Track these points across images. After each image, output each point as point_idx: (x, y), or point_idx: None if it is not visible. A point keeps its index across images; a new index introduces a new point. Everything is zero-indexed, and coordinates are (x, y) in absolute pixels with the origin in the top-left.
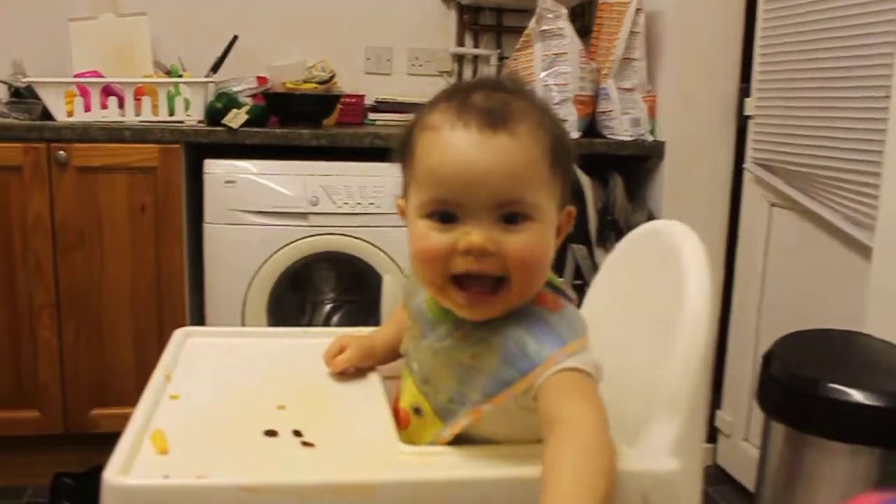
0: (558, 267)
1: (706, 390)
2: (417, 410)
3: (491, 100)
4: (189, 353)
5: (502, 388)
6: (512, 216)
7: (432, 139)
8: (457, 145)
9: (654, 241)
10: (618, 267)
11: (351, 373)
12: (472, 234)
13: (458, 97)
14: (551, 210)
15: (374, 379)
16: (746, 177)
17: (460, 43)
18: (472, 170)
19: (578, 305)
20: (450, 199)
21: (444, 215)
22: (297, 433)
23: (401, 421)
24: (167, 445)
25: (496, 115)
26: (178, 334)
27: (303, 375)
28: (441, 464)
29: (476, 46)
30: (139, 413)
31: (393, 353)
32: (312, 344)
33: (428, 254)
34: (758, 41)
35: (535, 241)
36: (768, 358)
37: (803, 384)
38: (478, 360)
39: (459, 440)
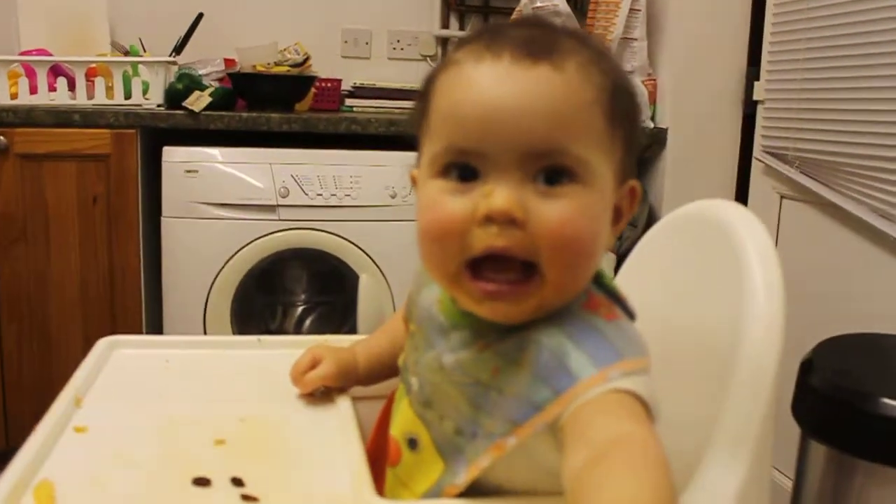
0: None
1: (775, 425)
2: (413, 442)
3: (534, 29)
4: (112, 368)
5: (531, 415)
6: (552, 173)
7: (453, 76)
8: (481, 79)
9: (701, 228)
10: (650, 261)
11: (317, 395)
12: (495, 195)
13: (493, 29)
14: (606, 175)
15: (343, 404)
16: (755, 166)
17: (445, 25)
18: (499, 107)
19: None
20: (469, 146)
21: (463, 170)
22: (237, 481)
23: (390, 455)
24: None
25: (537, 44)
26: (101, 345)
27: (252, 399)
28: None
29: (462, 29)
30: (25, 454)
31: (380, 372)
32: (268, 357)
33: (436, 225)
34: (769, 19)
35: (581, 211)
36: (807, 367)
37: (851, 398)
38: (502, 378)
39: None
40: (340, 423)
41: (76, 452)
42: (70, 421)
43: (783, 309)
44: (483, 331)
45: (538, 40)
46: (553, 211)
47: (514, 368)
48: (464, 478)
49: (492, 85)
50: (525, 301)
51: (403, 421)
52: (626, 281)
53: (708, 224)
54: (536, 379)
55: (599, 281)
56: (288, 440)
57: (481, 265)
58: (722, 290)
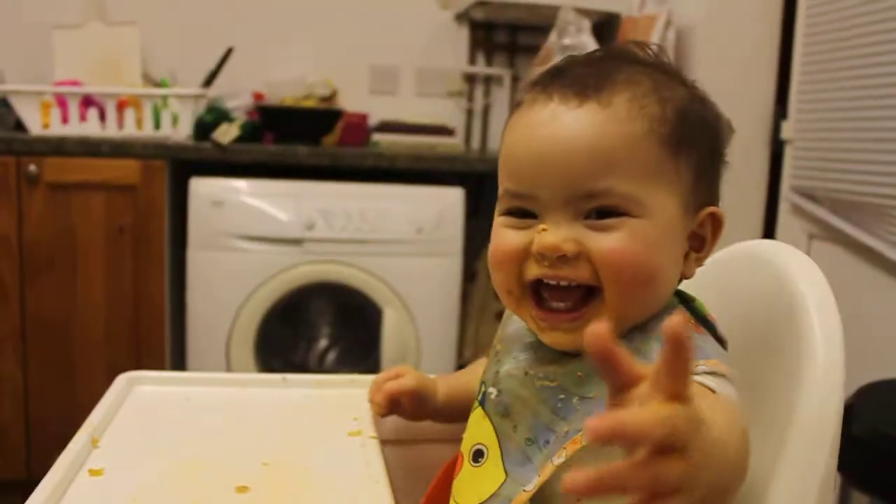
0: None
1: (833, 485)
2: (479, 454)
3: (591, 66)
4: (131, 406)
5: (587, 406)
6: (601, 211)
7: (513, 119)
8: (531, 122)
9: (752, 271)
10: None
11: (342, 441)
12: (546, 233)
13: (557, 68)
14: (667, 205)
15: (371, 449)
16: (783, 206)
17: (472, 62)
18: (542, 152)
19: None
20: (522, 190)
21: (522, 211)
22: None
23: (455, 471)
24: None
25: (587, 83)
26: (121, 381)
27: (275, 441)
28: None
29: (489, 65)
30: (37, 498)
31: (458, 408)
32: (292, 396)
33: (497, 256)
34: (797, 58)
35: (634, 239)
36: (847, 413)
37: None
38: (586, 385)
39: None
40: (368, 470)
41: (90, 498)
42: (85, 463)
43: (842, 363)
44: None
45: (590, 77)
46: (606, 241)
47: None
48: (535, 482)
49: (538, 129)
50: (583, 328)
51: (473, 433)
52: None
53: (759, 266)
54: None
55: (691, 307)
56: (313, 487)
57: (543, 292)
58: (776, 339)
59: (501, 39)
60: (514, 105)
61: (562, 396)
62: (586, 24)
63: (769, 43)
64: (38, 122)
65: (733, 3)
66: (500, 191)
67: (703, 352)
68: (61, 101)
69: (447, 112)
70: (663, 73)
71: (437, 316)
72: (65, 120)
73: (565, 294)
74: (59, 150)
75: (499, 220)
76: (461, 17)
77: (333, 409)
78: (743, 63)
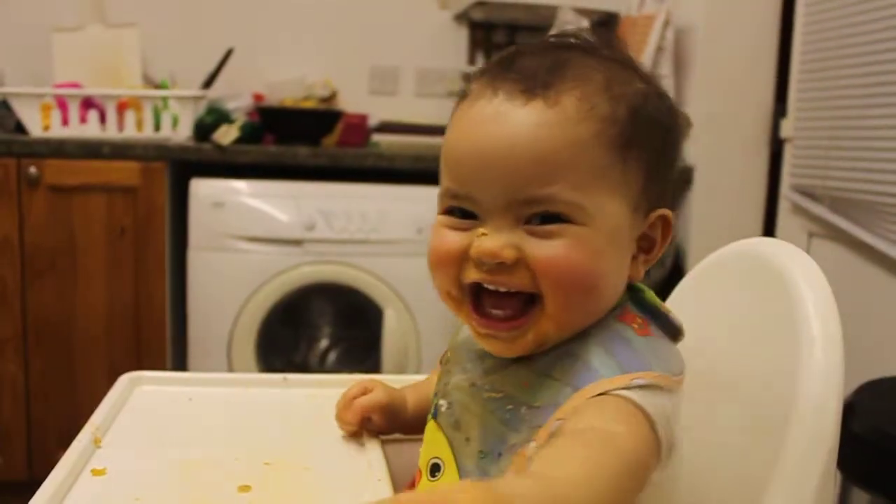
0: None
1: (833, 486)
2: (436, 468)
3: (541, 57)
4: (133, 406)
5: (550, 415)
6: (544, 217)
7: (458, 112)
8: (473, 119)
9: (751, 269)
10: (694, 301)
11: (344, 441)
12: (485, 238)
13: (506, 58)
14: (613, 210)
15: (372, 448)
16: (782, 205)
17: (471, 62)
18: (484, 153)
19: None
20: (462, 191)
21: (463, 211)
22: None
23: (413, 486)
24: None
25: (535, 78)
26: (123, 381)
27: (277, 441)
28: None
29: None
30: (40, 497)
31: (426, 421)
32: (294, 396)
33: (435, 257)
34: (796, 57)
35: (578, 249)
36: (847, 411)
37: None
38: (532, 392)
39: None
40: (370, 469)
41: (93, 497)
42: (88, 463)
43: (842, 363)
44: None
45: (539, 70)
46: (547, 249)
47: (546, 381)
48: None
49: (481, 127)
50: (522, 337)
51: (429, 447)
52: None
53: (758, 265)
54: (565, 385)
55: (639, 298)
56: (316, 487)
57: (483, 297)
58: (775, 338)
59: (500, 39)
60: (461, 95)
61: (509, 407)
62: (585, 23)
63: (768, 41)
64: (38, 124)
65: (732, 2)
66: (441, 188)
67: (643, 363)
68: (61, 103)
69: (447, 112)
70: (619, 65)
71: (438, 316)
72: (65, 122)
73: (505, 301)
74: (59, 152)
75: (439, 219)
76: (460, 17)
77: (334, 409)
78: (742, 62)
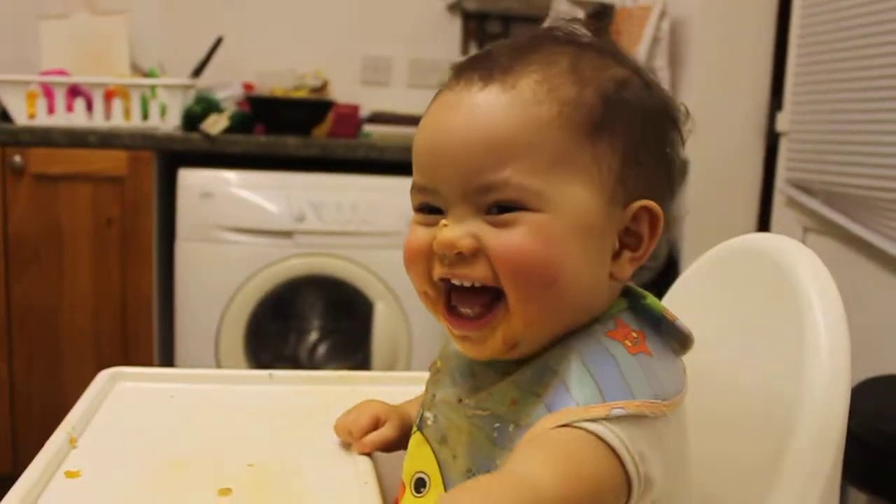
0: None
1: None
2: (421, 483)
3: (511, 48)
4: (112, 403)
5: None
6: (501, 206)
7: (429, 106)
8: (432, 110)
9: (752, 266)
10: (693, 298)
11: (331, 442)
12: (445, 229)
13: (488, 47)
14: (579, 198)
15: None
16: (777, 199)
17: (465, 53)
18: (438, 142)
19: None
20: (425, 184)
21: (430, 207)
22: None
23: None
24: None
25: (497, 64)
26: (102, 377)
27: (261, 442)
28: None
29: None
30: (9, 501)
31: None
32: (280, 394)
33: (406, 255)
34: (792, 50)
35: (533, 238)
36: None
37: (893, 443)
38: (519, 410)
39: None
40: (357, 472)
41: (65, 501)
42: (62, 464)
43: (849, 365)
44: (503, 361)
45: (503, 57)
46: (501, 238)
47: (530, 398)
48: None
49: (438, 117)
50: (491, 336)
51: (414, 460)
52: None
53: (760, 261)
54: (542, 403)
55: (640, 305)
56: (300, 491)
57: (452, 296)
58: (779, 337)
59: (494, 30)
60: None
61: (497, 425)
62: (580, 13)
63: (764, 34)
64: (23, 112)
65: None
66: (412, 184)
67: (626, 390)
68: (48, 91)
69: None
70: (595, 51)
71: None
72: (51, 110)
73: (473, 299)
74: (45, 140)
75: (413, 217)
76: (453, 7)
77: (322, 408)
78: (738, 54)
